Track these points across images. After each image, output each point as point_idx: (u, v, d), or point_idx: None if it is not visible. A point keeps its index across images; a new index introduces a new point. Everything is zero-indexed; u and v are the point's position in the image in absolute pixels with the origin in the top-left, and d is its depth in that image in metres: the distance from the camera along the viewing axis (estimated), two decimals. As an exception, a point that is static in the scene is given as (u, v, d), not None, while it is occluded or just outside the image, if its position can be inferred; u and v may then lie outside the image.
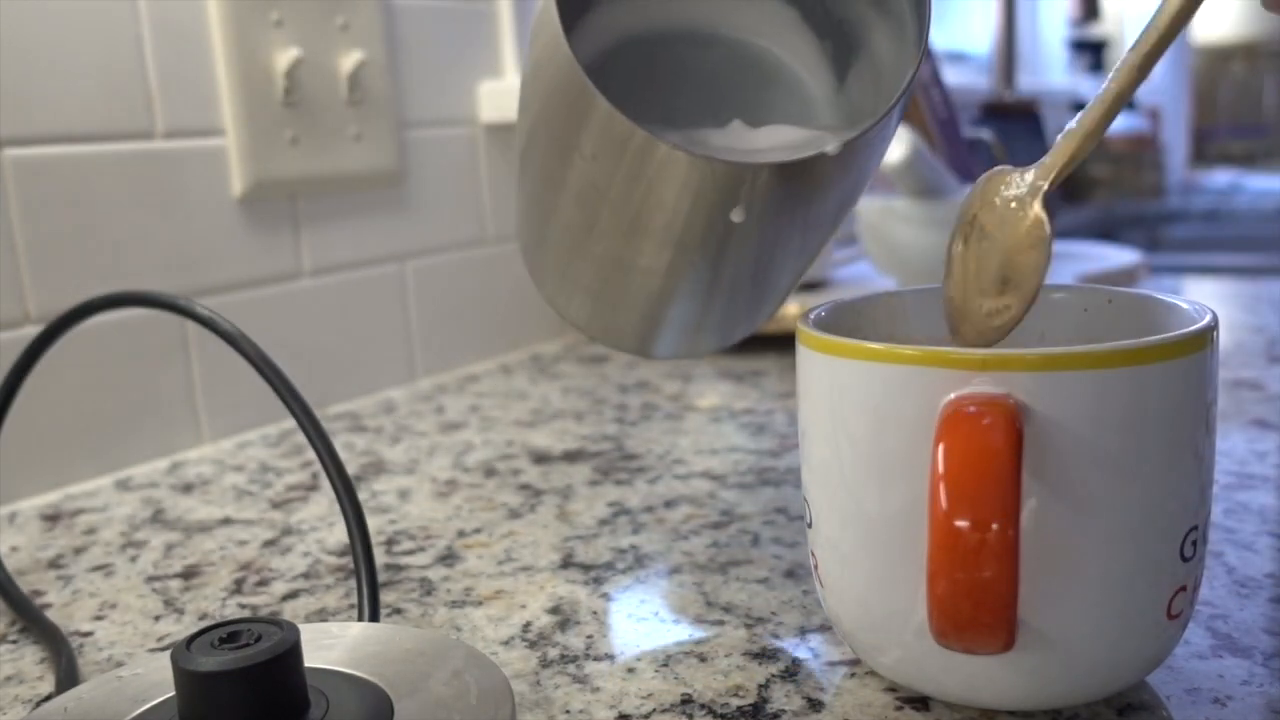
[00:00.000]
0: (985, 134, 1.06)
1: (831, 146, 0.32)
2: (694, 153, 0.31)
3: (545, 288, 0.43)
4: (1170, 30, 0.28)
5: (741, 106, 0.40)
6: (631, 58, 0.36)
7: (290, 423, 0.66)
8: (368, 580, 0.36)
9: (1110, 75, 0.30)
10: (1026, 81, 1.93)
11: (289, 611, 0.39)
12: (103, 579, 0.43)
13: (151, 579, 0.43)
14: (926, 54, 0.34)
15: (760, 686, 0.32)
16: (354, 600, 0.40)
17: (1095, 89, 0.31)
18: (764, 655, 0.34)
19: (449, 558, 0.43)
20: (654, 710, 0.31)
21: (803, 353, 0.30)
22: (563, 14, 0.32)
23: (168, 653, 0.27)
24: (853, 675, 0.32)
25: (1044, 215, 0.30)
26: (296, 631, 0.26)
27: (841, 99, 0.40)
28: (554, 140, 0.35)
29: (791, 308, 0.71)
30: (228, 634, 0.26)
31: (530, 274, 0.43)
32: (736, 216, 0.33)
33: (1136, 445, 0.26)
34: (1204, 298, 0.89)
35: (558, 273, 0.40)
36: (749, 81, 0.41)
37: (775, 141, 0.36)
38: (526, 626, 0.37)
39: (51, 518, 0.51)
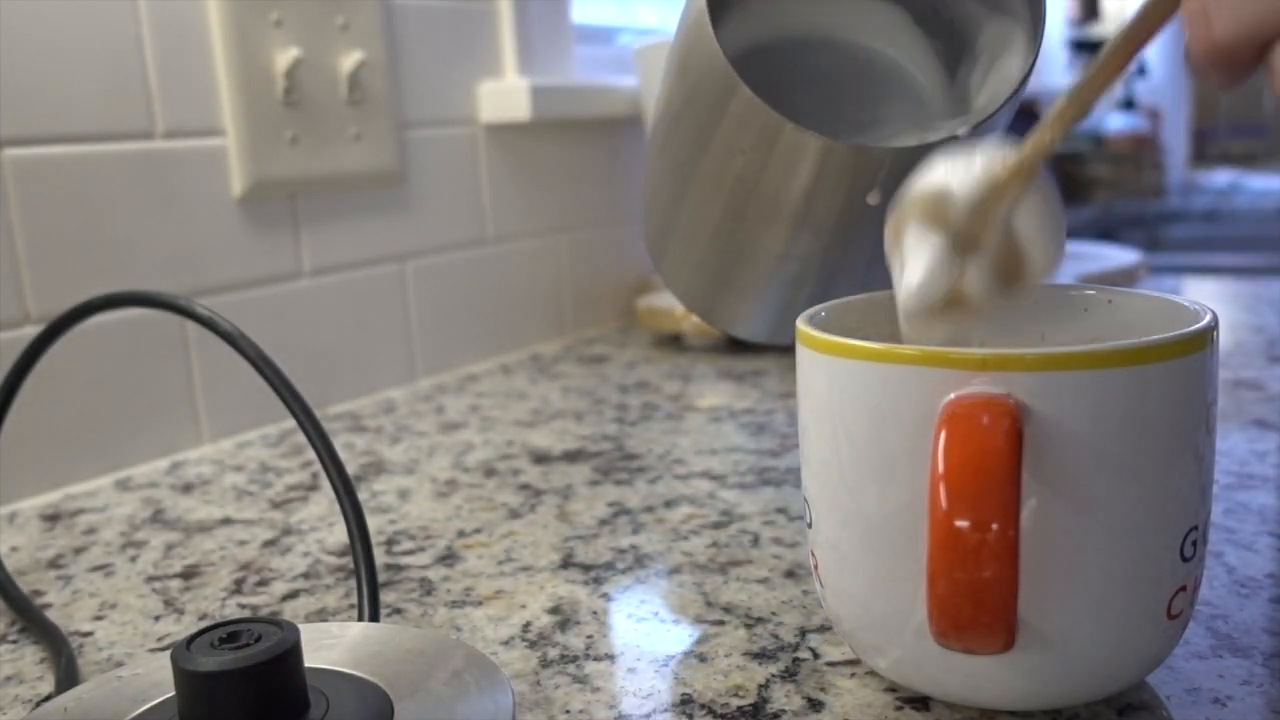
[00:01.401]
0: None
1: (963, 130, 0.35)
2: (844, 142, 0.35)
3: (665, 269, 0.46)
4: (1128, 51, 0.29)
5: (857, 105, 0.43)
6: (753, 64, 0.39)
7: (290, 423, 0.66)
8: (368, 580, 0.36)
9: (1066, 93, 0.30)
10: (1026, 81, 1.92)
11: (289, 611, 0.39)
12: (103, 579, 0.43)
13: (151, 579, 0.43)
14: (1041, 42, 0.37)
15: (760, 686, 0.32)
16: (354, 600, 0.40)
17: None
18: (764, 655, 0.34)
19: (449, 558, 0.43)
20: (654, 710, 0.31)
21: (803, 353, 0.30)
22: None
23: (168, 653, 0.27)
24: (853, 675, 0.32)
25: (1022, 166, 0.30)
26: (296, 631, 0.26)
27: (951, 94, 0.43)
28: (699, 137, 0.38)
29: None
30: (228, 634, 0.26)
31: (651, 254, 0.47)
32: (873, 199, 0.36)
33: (1136, 445, 0.26)
34: (1204, 298, 0.89)
35: (683, 256, 0.44)
36: (863, 82, 0.44)
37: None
38: (526, 626, 0.37)
39: (51, 518, 0.51)
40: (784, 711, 0.30)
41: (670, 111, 0.40)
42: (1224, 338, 0.74)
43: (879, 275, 0.41)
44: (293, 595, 0.41)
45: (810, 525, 0.32)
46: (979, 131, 0.35)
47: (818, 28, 0.44)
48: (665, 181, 0.42)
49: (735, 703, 0.31)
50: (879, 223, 0.37)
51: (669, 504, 0.48)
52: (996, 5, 0.39)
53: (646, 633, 0.36)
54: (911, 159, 0.34)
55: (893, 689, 0.31)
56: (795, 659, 0.34)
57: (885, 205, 0.36)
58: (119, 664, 0.36)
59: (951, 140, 0.35)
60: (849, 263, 0.40)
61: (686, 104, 0.38)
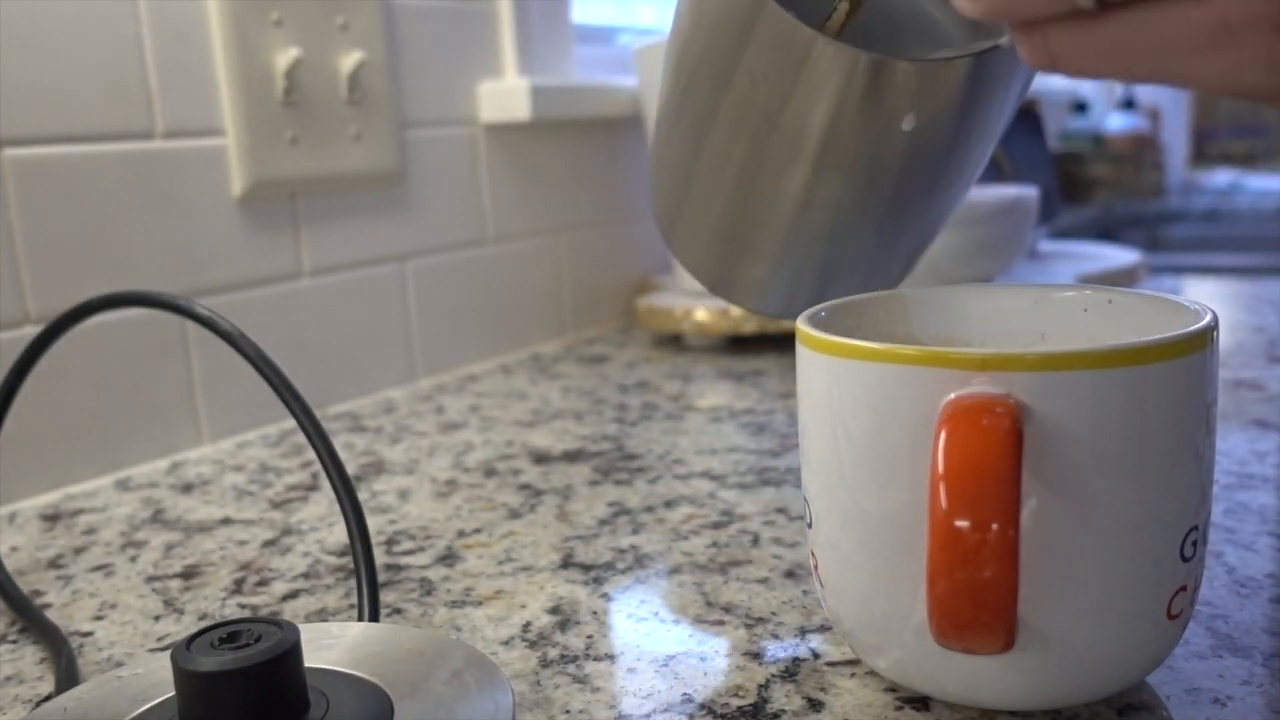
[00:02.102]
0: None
1: (1005, 40, 0.33)
2: (874, 54, 0.33)
3: (677, 240, 0.44)
4: None
5: (874, 44, 0.41)
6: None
7: (290, 423, 0.66)
8: (368, 580, 0.36)
9: None
10: (1026, 81, 1.92)
11: (289, 611, 0.39)
12: (103, 579, 0.43)
13: (151, 579, 0.43)
14: None
15: (760, 686, 0.32)
16: (354, 600, 0.40)
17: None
18: (764, 655, 0.34)
19: (449, 558, 0.43)
20: (654, 710, 0.31)
21: (803, 352, 0.30)
22: None
23: (168, 653, 0.27)
24: (853, 675, 0.32)
25: None
26: (296, 631, 0.26)
27: (974, 35, 0.41)
28: (722, 71, 0.36)
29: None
30: (228, 634, 0.26)
31: (662, 228, 0.45)
32: (908, 124, 0.34)
33: (1136, 445, 0.26)
34: (1204, 298, 0.89)
35: (698, 220, 0.42)
36: (883, 25, 0.42)
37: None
38: (526, 626, 0.37)
39: (51, 518, 0.51)
40: (784, 711, 0.30)
41: (687, 59, 0.39)
42: (1224, 338, 0.74)
43: (890, 237, 0.40)
44: (293, 595, 0.41)
45: (810, 525, 0.32)
46: (1012, 59, 0.34)
47: None
48: (681, 138, 0.41)
49: (735, 703, 0.31)
50: (901, 166, 0.36)
51: (669, 504, 0.48)
52: None
53: (646, 633, 0.36)
54: (941, 78, 0.33)
55: (893, 689, 0.31)
56: (795, 659, 0.34)
57: (925, 132, 0.34)
58: (119, 664, 0.36)
59: (992, 51, 0.33)
60: (866, 218, 0.38)
61: (708, 41, 0.37)
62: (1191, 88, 0.24)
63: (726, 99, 0.37)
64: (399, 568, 0.43)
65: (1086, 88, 2.19)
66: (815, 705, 0.31)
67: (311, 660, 0.29)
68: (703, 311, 0.79)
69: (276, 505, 0.51)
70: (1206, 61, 0.23)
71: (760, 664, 0.33)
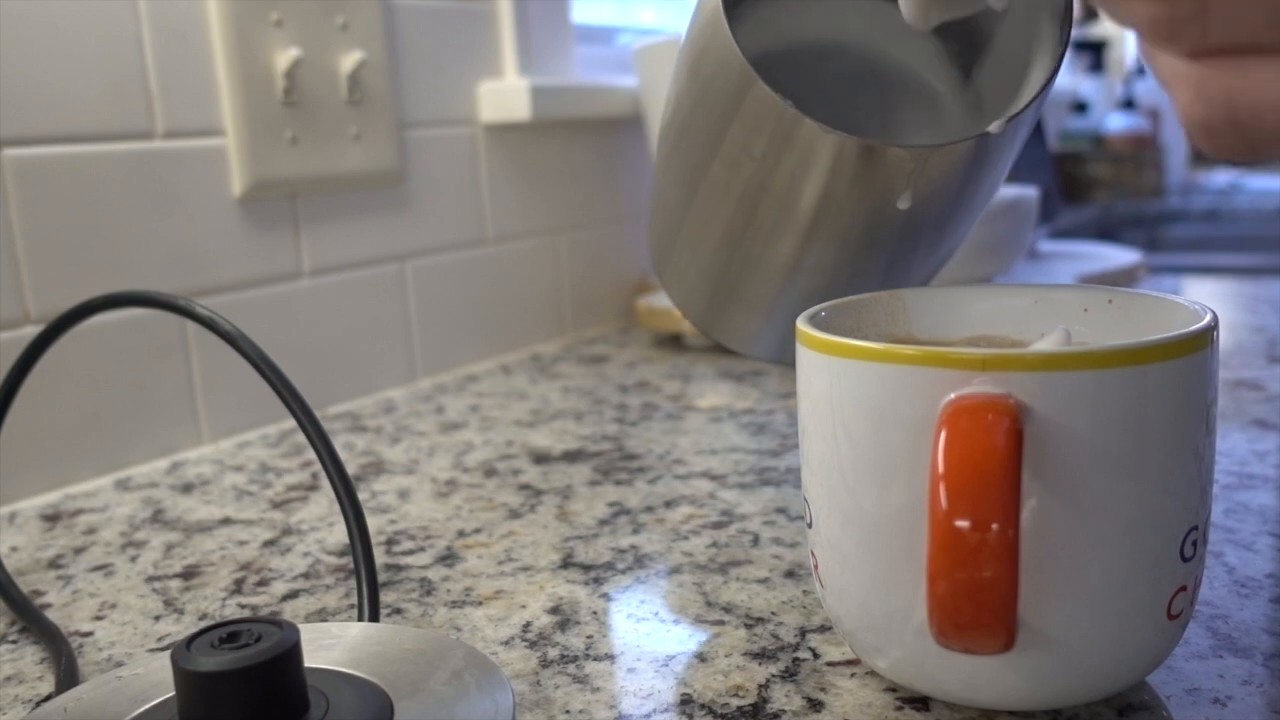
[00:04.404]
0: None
1: (995, 126, 0.34)
2: (861, 138, 0.33)
3: (668, 279, 0.45)
4: None
5: (870, 112, 0.42)
6: (763, 71, 0.38)
7: (290, 423, 0.66)
8: (368, 580, 0.36)
9: None
10: (1026, 81, 1.92)
11: (289, 611, 0.39)
12: (103, 579, 0.43)
13: (151, 579, 0.43)
14: (1069, 34, 0.35)
15: (760, 686, 0.32)
16: (354, 600, 0.40)
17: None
18: (764, 655, 0.34)
19: (449, 558, 0.43)
20: (654, 710, 0.31)
21: (803, 353, 0.30)
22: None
23: (168, 653, 0.27)
24: (853, 675, 0.32)
25: None
26: (296, 631, 0.26)
27: (966, 96, 0.42)
28: (710, 139, 0.36)
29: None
30: (228, 634, 0.26)
31: (654, 263, 0.45)
32: (903, 204, 0.34)
33: (1136, 445, 0.26)
34: (1204, 298, 0.89)
35: (687, 266, 0.42)
36: (875, 87, 0.43)
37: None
38: (526, 626, 0.37)
39: (51, 518, 0.51)
40: (784, 711, 0.30)
41: (679, 116, 0.39)
42: (1224, 338, 0.74)
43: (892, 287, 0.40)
44: (293, 595, 0.41)
45: (810, 525, 0.32)
46: (1011, 127, 0.34)
47: (828, 33, 0.43)
48: (672, 188, 0.41)
49: (735, 703, 0.31)
50: (893, 237, 0.37)
51: (669, 504, 0.48)
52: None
53: (646, 633, 0.36)
54: (935, 161, 0.33)
55: (893, 689, 0.31)
56: (795, 659, 0.34)
57: (916, 209, 0.35)
58: (119, 664, 0.36)
59: (982, 138, 0.34)
60: (862, 279, 0.38)
61: (697, 106, 0.37)
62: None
63: (715, 162, 0.37)
64: (399, 568, 0.43)
65: (1086, 88, 2.19)
66: (815, 705, 0.31)
67: (311, 660, 0.29)
68: (703, 311, 0.79)
69: (276, 505, 0.51)
70: None
71: (760, 664, 0.33)
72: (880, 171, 0.34)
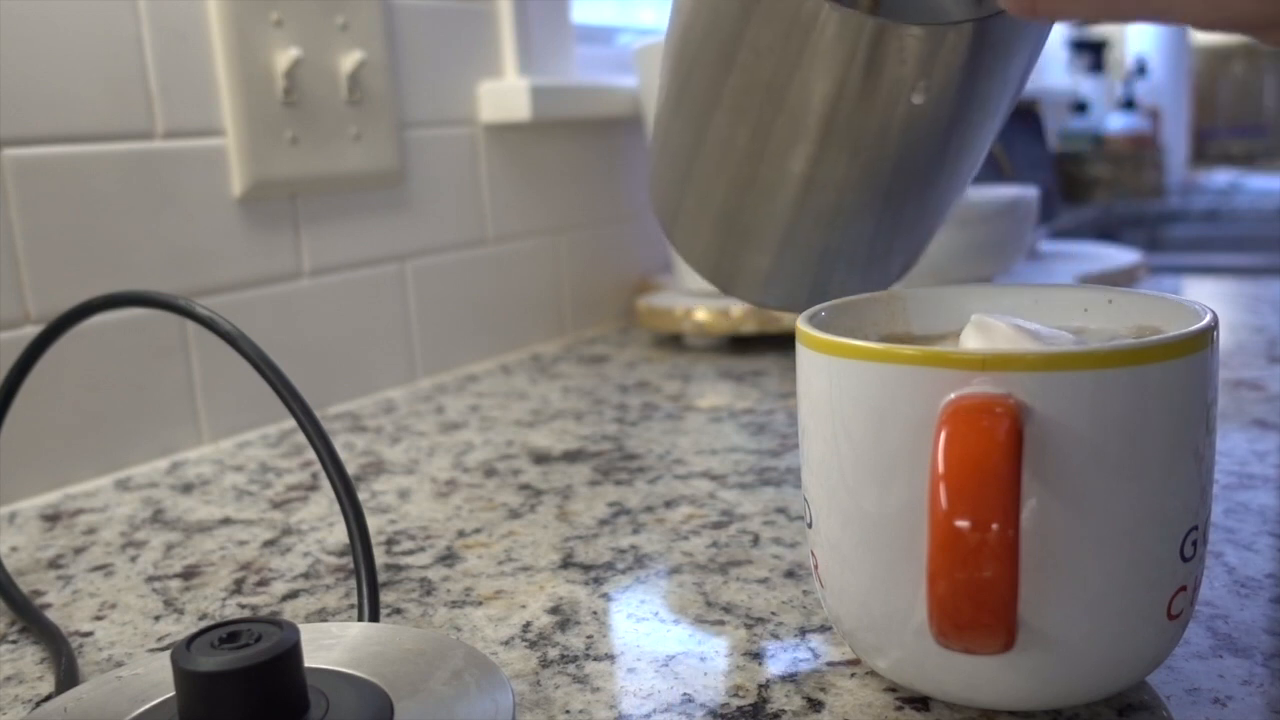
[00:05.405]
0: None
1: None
2: (880, 19, 0.32)
3: (679, 233, 0.44)
4: None
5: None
6: None
7: (290, 423, 0.66)
8: (368, 580, 0.36)
9: None
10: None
11: (289, 611, 0.39)
12: (103, 579, 0.43)
13: (151, 579, 0.43)
14: None
15: (760, 686, 0.32)
16: (354, 600, 0.40)
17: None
18: (764, 655, 0.34)
19: (449, 558, 0.43)
20: (654, 710, 0.31)
21: (803, 353, 0.30)
22: None
23: (168, 653, 0.27)
24: (853, 675, 0.32)
25: None
26: (296, 631, 0.26)
27: (980, 8, 0.41)
28: (725, 50, 0.36)
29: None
30: (228, 634, 0.26)
31: (662, 221, 0.45)
32: (917, 98, 0.33)
33: (1136, 445, 0.26)
34: (1204, 298, 0.89)
35: (700, 210, 0.41)
36: (887, 4, 0.42)
37: None
38: (526, 626, 0.37)
39: (51, 518, 0.51)
40: (784, 711, 0.30)
41: (689, 44, 0.38)
42: (1224, 338, 0.74)
43: (890, 223, 0.40)
44: (293, 595, 0.41)
45: (810, 525, 0.32)
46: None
47: None
48: (681, 129, 0.40)
49: (735, 703, 0.31)
50: (905, 142, 0.36)
51: (669, 504, 0.48)
52: None
53: (646, 633, 0.36)
54: (949, 43, 0.32)
55: (893, 689, 0.31)
56: (795, 659, 0.34)
57: (926, 109, 0.34)
58: (119, 664, 0.36)
59: (996, 19, 0.33)
60: (868, 201, 0.38)
61: (711, 20, 0.36)
62: (1179, 23, 0.24)
63: (730, 79, 0.36)
64: (399, 568, 0.43)
65: (1086, 87, 2.19)
66: (815, 705, 0.31)
67: (311, 660, 0.29)
68: (703, 311, 0.79)
69: (276, 505, 0.51)
70: None
71: (760, 664, 0.33)
72: (893, 59, 0.33)
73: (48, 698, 0.34)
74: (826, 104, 0.35)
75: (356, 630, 0.32)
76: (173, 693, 0.27)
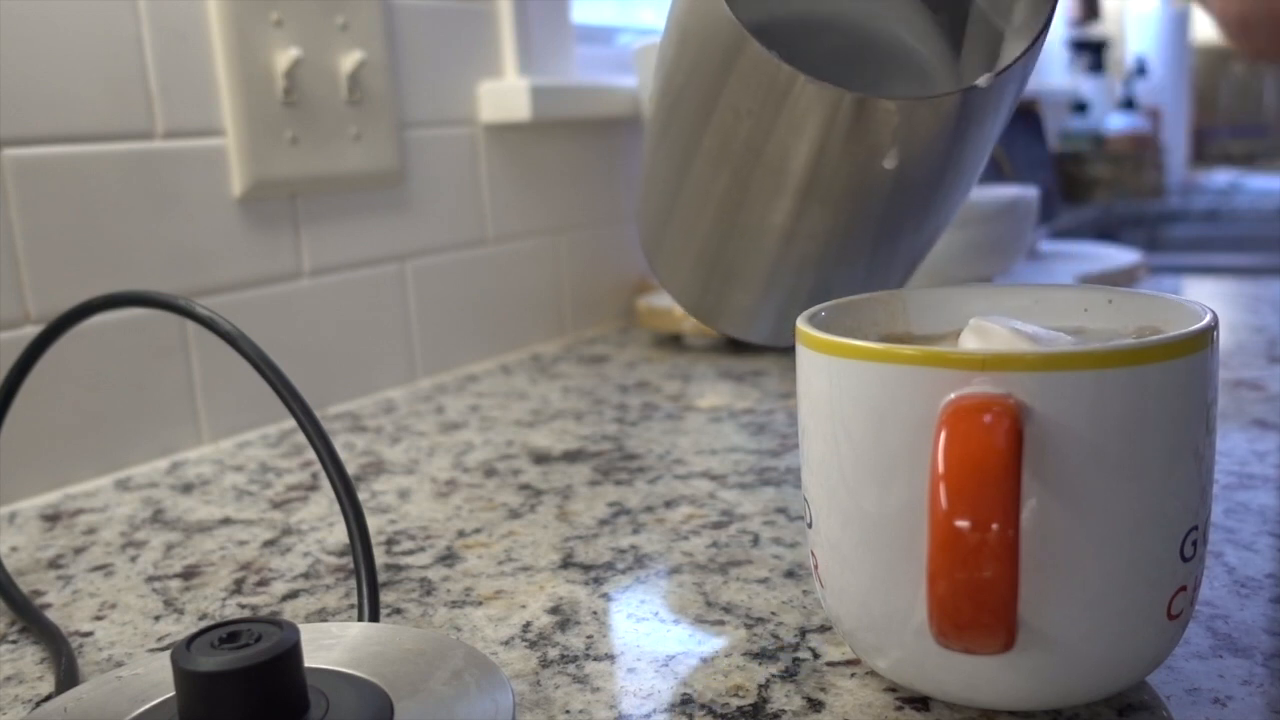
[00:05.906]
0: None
1: (983, 80, 0.33)
2: (855, 93, 0.33)
3: (661, 267, 0.44)
4: None
5: (859, 85, 0.42)
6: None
7: (290, 423, 0.66)
8: (368, 580, 0.36)
9: None
10: (1026, 81, 1.92)
11: (289, 611, 0.39)
12: (103, 579, 0.43)
13: (151, 579, 0.43)
14: None
15: (760, 686, 0.32)
16: (354, 600, 0.40)
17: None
18: (764, 655, 0.34)
19: (449, 558, 0.43)
20: (654, 710, 0.31)
21: (803, 352, 0.30)
22: None
23: (168, 653, 0.27)
24: (853, 675, 0.32)
25: None
26: (296, 631, 0.26)
27: (955, 68, 0.41)
28: (704, 103, 0.36)
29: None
30: (228, 634, 0.26)
31: (646, 253, 0.45)
32: (889, 162, 0.34)
33: (1136, 445, 0.26)
34: (1204, 298, 0.89)
35: (681, 248, 0.42)
36: (865, 61, 0.43)
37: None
38: (526, 626, 0.37)
39: (51, 518, 0.51)
40: (784, 711, 0.30)
41: (670, 92, 0.39)
42: (1224, 338, 0.74)
43: (883, 260, 0.40)
44: (293, 595, 0.41)
45: (810, 525, 0.32)
46: (997, 86, 0.34)
47: (817, 7, 0.43)
48: (664, 167, 0.41)
49: (735, 703, 0.31)
50: (883, 201, 0.37)
51: (669, 504, 0.48)
52: None
53: (646, 633, 0.36)
54: (924, 115, 0.33)
55: (893, 689, 0.31)
56: (795, 659, 0.34)
57: (899, 171, 0.35)
58: (119, 664, 0.36)
59: (971, 91, 0.33)
60: (855, 247, 0.38)
61: (690, 74, 0.37)
62: None
63: (708, 131, 0.37)
64: (399, 568, 0.43)
65: (1086, 87, 2.19)
66: (815, 705, 0.31)
67: (311, 660, 0.29)
68: (703, 311, 0.79)
69: (276, 505, 0.51)
70: None
71: (760, 664, 0.33)
72: (868, 127, 0.34)
73: (48, 698, 0.34)
74: (804, 164, 0.36)
75: (356, 630, 0.32)
76: (173, 693, 0.27)
